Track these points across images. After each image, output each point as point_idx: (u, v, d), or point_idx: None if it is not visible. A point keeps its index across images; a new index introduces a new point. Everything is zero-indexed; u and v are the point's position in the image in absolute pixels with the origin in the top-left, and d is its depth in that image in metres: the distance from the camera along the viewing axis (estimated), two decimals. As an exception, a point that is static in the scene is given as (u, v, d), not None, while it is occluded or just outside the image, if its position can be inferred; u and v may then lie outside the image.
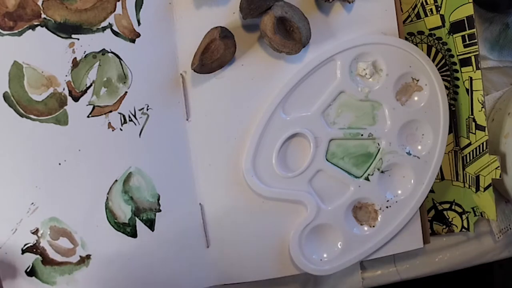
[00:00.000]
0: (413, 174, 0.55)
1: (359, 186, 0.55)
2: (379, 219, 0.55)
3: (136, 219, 0.53)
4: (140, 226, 0.53)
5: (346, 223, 0.55)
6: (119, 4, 0.51)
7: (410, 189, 0.55)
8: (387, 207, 0.55)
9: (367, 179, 0.55)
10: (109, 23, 0.51)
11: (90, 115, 0.51)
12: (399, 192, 0.56)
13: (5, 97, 0.50)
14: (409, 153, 0.55)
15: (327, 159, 0.55)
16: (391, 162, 0.55)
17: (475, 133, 0.57)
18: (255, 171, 0.54)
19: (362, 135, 0.55)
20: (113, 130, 0.52)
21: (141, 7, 0.51)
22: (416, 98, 0.55)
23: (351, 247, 0.55)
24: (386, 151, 0.55)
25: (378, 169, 0.55)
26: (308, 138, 0.54)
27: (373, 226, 0.56)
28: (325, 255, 0.55)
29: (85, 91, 0.51)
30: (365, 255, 0.55)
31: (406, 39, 0.56)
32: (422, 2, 0.56)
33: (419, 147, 0.56)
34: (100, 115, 0.51)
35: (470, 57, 0.56)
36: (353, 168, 0.55)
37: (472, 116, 0.57)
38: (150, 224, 0.53)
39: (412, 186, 0.55)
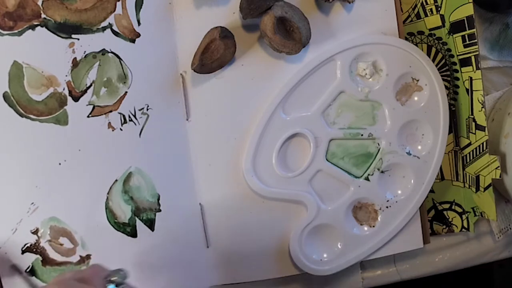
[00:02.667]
0: (413, 174, 0.55)
1: (359, 186, 0.55)
2: (379, 219, 0.55)
3: (136, 219, 0.53)
4: (140, 226, 0.53)
5: (346, 223, 0.55)
6: (119, 4, 0.51)
7: (410, 189, 0.55)
8: (387, 207, 0.55)
9: (367, 179, 0.55)
10: (109, 23, 0.51)
11: (90, 115, 0.51)
12: (399, 192, 0.56)
13: (5, 97, 0.50)
14: (409, 153, 0.55)
15: (327, 159, 0.55)
16: (391, 162, 0.55)
17: (475, 133, 0.57)
18: (255, 171, 0.54)
19: (362, 135, 0.55)
20: (113, 130, 0.52)
21: (141, 7, 0.51)
22: (416, 98, 0.55)
23: (351, 247, 0.55)
24: (386, 151, 0.55)
25: (378, 169, 0.55)
26: (308, 138, 0.54)
27: (373, 226, 0.56)
28: (325, 255, 0.55)
29: (85, 91, 0.51)
30: (365, 255, 0.55)
31: (406, 39, 0.56)
32: (422, 2, 0.56)
33: (419, 147, 0.56)
34: (100, 115, 0.51)
35: (470, 57, 0.56)
36: (353, 168, 0.55)
37: (472, 116, 0.57)
38: (150, 224, 0.53)
39: (412, 186, 0.55)
